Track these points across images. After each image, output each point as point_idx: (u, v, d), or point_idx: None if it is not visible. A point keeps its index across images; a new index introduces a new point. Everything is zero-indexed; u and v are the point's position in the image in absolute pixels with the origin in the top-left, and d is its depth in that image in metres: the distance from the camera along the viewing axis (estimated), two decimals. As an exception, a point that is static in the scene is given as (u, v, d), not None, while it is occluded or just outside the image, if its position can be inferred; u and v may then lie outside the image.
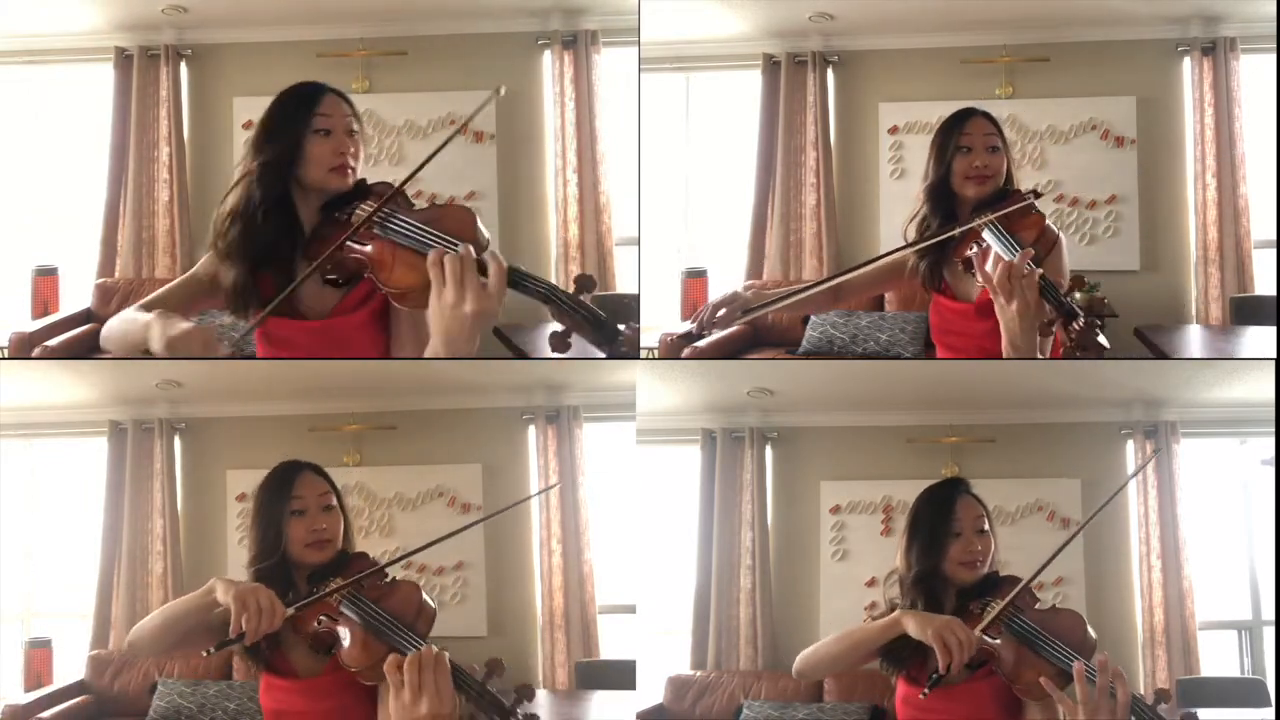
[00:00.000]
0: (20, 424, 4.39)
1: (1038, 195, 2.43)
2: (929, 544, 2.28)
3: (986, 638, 2.15)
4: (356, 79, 4.28)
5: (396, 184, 2.10)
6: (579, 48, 4.27)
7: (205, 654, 2.01)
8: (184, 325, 1.93)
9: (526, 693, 2.04)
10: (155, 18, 4.24)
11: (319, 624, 2.07)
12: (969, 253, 2.38)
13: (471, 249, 1.91)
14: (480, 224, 2.03)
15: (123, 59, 4.35)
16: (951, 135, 2.47)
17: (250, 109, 4.34)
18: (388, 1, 4.16)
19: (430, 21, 4.26)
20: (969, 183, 2.44)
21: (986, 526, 2.33)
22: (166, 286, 2.16)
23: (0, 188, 4.33)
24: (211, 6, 4.18)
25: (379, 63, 4.29)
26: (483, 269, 1.91)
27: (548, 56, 4.32)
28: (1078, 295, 2.20)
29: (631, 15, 3.84)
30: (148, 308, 2.05)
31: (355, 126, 2.17)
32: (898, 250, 2.49)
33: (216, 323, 2.35)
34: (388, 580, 2.17)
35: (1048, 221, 2.40)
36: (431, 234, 1.98)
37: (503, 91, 3.22)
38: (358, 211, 2.07)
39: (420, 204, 2.16)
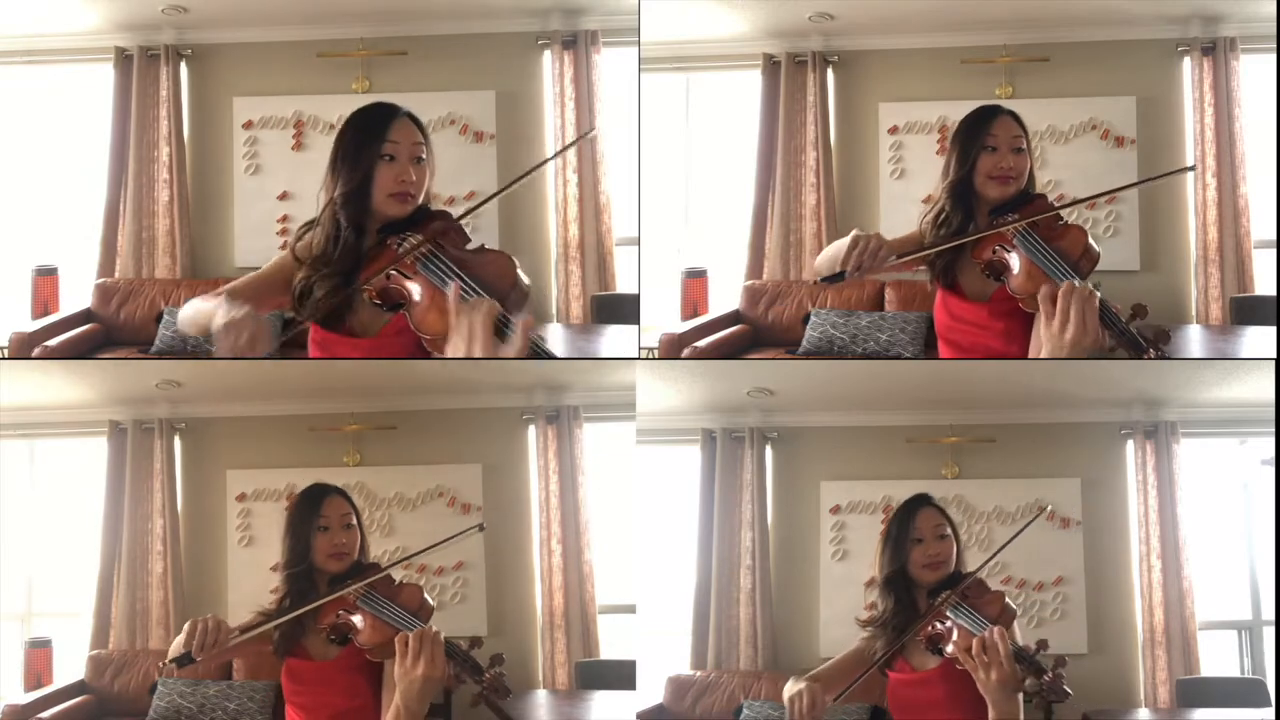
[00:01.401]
0: (20, 424, 4.39)
1: (1189, 168, 2.47)
2: (895, 551, 2.65)
3: (937, 624, 2.54)
4: (356, 79, 4.29)
5: (455, 215, 2.15)
6: (579, 48, 4.28)
7: (159, 666, 2.49)
8: (245, 309, 2.04)
9: (498, 659, 2.57)
10: (155, 18, 4.24)
11: (337, 617, 2.53)
12: (991, 255, 2.35)
13: (495, 307, 1.94)
14: (521, 274, 2.06)
15: (123, 59, 4.35)
16: (977, 133, 2.43)
17: (250, 109, 4.35)
18: (388, 1, 4.16)
19: (430, 21, 4.26)
20: (993, 183, 2.41)
21: (947, 533, 2.66)
22: (246, 277, 2.24)
23: (0, 188, 4.34)
24: (211, 6, 4.19)
25: (379, 63, 4.29)
26: (504, 331, 1.94)
27: (548, 56, 4.32)
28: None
29: (631, 15, 3.85)
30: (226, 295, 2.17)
31: (423, 154, 2.19)
32: (975, 236, 2.40)
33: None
34: (396, 583, 2.60)
35: (1090, 238, 2.33)
36: (466, 283, 2.01)
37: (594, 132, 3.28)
38: (407, 243, 2.10)
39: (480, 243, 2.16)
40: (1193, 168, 2.64)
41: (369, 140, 2.16)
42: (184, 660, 2.40)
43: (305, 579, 2.59)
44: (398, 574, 2.65)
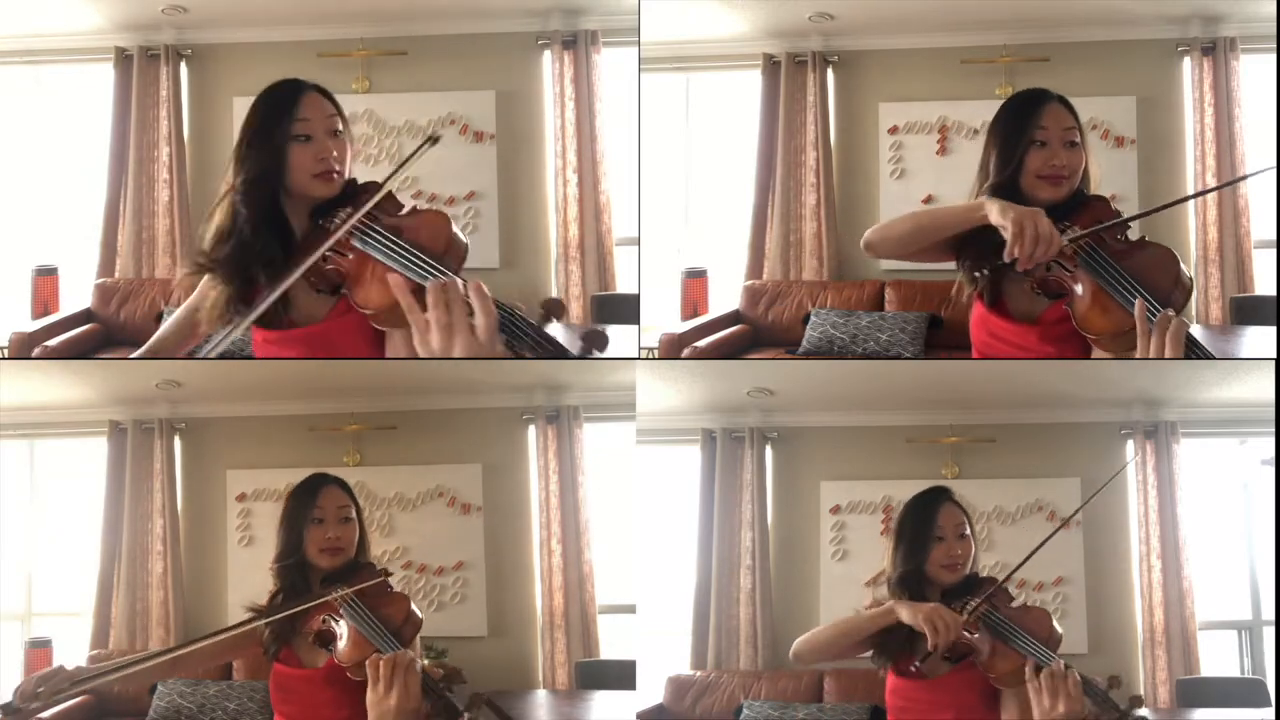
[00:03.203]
0: (20, 424, 4.39)
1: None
2: (913, 548, 2.43)
3: (965, 633, 2.32)
4: (356, 79, 4.28)
5: (382, 186, 1.96)
6: (579, 48, 4.28)
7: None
8: None
9: (478, 701, 2.32)
10: (155, 18, 4.24)
11: (322, 623, 2.32)
12: (1045, 272, 1.98)
13: (459, 284, 1.73)
14: (455, 229, 1.89)
15: (123, 59, 4.35)
16: (1025, 125, 2.05)
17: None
18: (388, 1, 4.16)
19: (430, 21, 4.26)
20: (1043, 183, 2.04)
21: (967, 532, 2.45)
22: (162, 329, 2.14)
23: (0, 188, 4.34)
24: (211, 6, 4.19)
25: (379, 63, 4.29)
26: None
27: (548, 56, 4.32)
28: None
29: (631, 15, 3.85)
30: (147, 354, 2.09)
31: (339, 126, 1.99)
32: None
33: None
34: (388, 591, 2.40)
35: (1182, 264, 1.95)
36: (404, 251, 1.84)
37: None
38: (337, 219, 1.94)
39: (411, 205, 2.01)
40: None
41: (278, 119, 1.98)
42: (7, 709, 2.18)
43: (297, 574, 2.40)
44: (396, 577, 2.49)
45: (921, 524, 2.43)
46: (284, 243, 1.98)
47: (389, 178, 1.98)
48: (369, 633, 2.27)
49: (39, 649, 4.34)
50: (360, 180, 2.03)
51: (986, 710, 2.35)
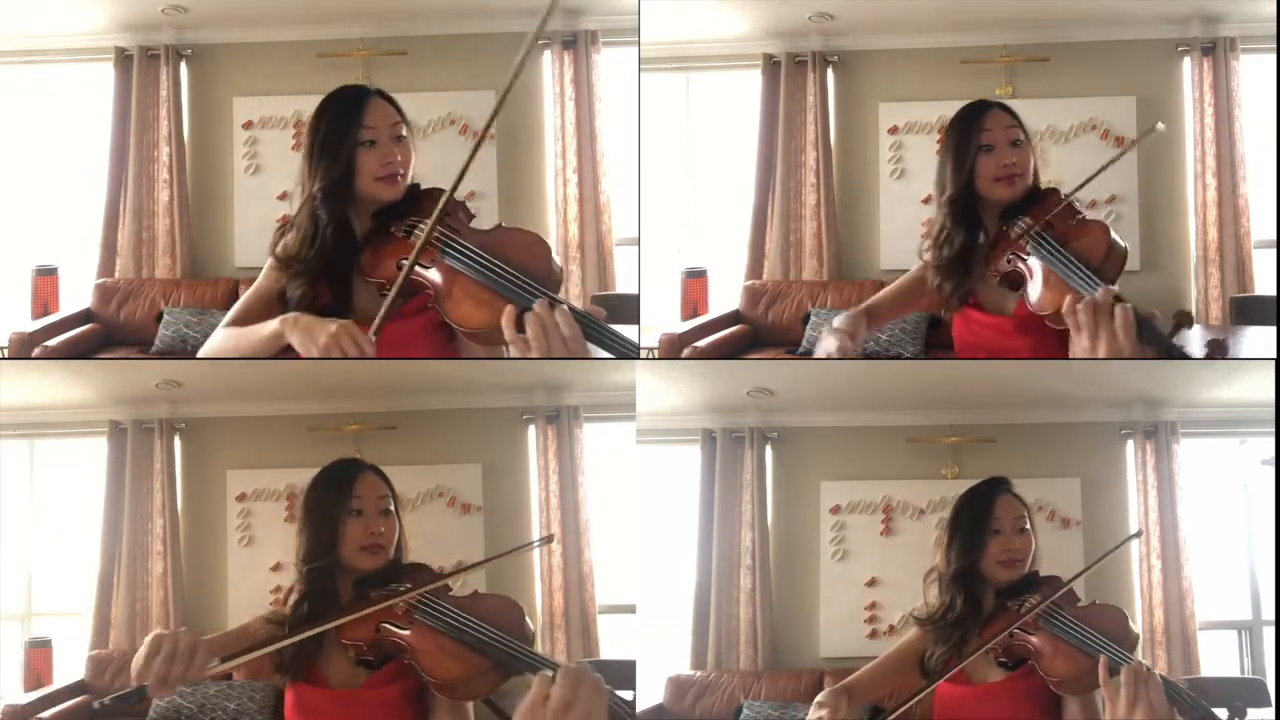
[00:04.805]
0: (20, 424, 4.39)
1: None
2: (969, 542, 2.29)
3: (1024, 633, 2.18)
4: (356, 79, 4.28)
5: (447, 189, 2.00)
6: (579, 48, 4.28)
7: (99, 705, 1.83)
8: (331, 325, 1.88)
9: None
10: (155, 18, 4.24)
11: (377, 632, 1.98)
12: (1006, 266, 2.11)
13: (550, 311, 1.80)
14: (554, 256, 1.96)
15: (123, 59, 4.35)
16: (971, 134, 2.19)
17: (250, 109, 4.34)
18: (388, 1, 4.16)
19: (430, 21, 4.26)
20: (998, 184, 2.18)
21: (1027, 526, 2.32)
22: (241, 302, 2.10)
23: (0, 188, 4.34)
24: (211, 6, 4.19)
25: (379, 63, 4.29)
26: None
27: (548, 56, 4.32)
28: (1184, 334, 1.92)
29: (631, 15, 3.84)
30: (235, 324, 2.05)
31: (403, 132, 2.06)
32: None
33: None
34: (470, 593, 2.12)
35: (1113, 234, 2.07)
36: (499, 270, 1.91)
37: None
38: (417, 230, 1.98)
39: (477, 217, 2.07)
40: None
41: (345, 125, 2.02)
42: (133, 696, 1.74)
43: (328, 577, 2.09)
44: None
45: (977, 517, 2.29)
46: (348, 245, 2.04)
47: (460, 176, 2.00)
48: (477, 640, 1.95)
49: (39, 649, 4.34)
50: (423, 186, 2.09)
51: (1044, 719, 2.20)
